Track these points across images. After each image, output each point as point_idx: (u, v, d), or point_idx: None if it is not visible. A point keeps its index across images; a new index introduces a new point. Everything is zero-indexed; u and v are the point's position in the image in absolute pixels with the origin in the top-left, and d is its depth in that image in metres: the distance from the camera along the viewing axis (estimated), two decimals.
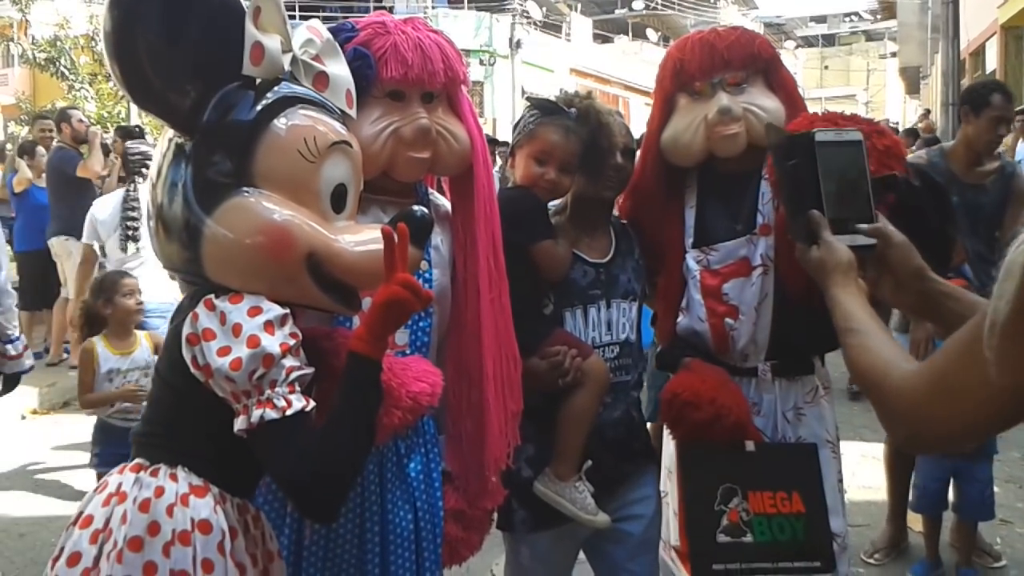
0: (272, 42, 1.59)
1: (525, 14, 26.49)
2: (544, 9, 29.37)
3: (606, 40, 34.30)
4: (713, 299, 2.38)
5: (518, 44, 25.10)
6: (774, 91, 2.37)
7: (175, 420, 1.60)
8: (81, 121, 7.88)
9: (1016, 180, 3.82)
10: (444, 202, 2.14)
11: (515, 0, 25.42)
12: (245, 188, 1.52)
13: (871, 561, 4.05)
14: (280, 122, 1.56)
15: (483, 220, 2.02)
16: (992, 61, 19.93)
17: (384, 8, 28.28)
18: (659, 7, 34.30)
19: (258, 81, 1.58)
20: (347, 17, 2.11)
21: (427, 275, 1.97)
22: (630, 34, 35.03)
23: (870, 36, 52.05)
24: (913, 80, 28.71)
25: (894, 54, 35.87)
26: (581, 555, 2.50)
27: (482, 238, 2.01)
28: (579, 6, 33.42)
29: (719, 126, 2.29)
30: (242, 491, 1.64)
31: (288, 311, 1.52)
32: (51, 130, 8.30)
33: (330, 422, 1.50)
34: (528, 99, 2.41)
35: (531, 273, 2.25)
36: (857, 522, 4.41)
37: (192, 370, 1.50)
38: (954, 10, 13.86)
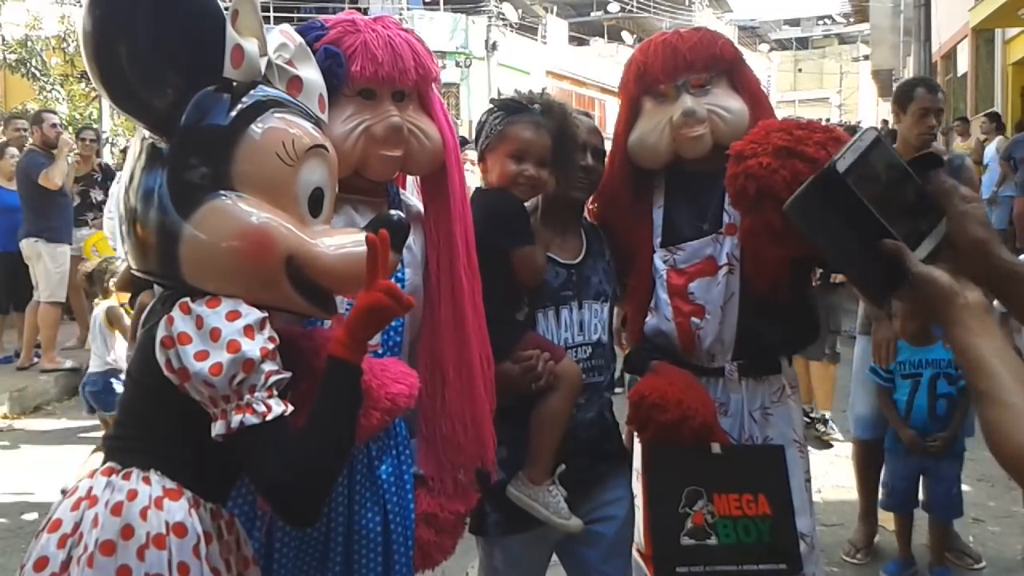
0: (251, 45, 1.58)
1: (501, 16, 26.50)
2: (520, 11, 29.41)
3: (582, 43, 34.39)
4: (679, 298, 2.39)
5: (494, 46, 25.09)
6: (738, 92, 2.39)
7: (147, 424, 1.59)
8: (54, 126, 7.82)
9: (964, 171, 3.88)
10: (415, 202, 2.13)
11: (491, 2, 25.42)
12: (223, 191, 1.51)
13: (853, 561, 4.08)
14: (258, 125, 1.55)
15: (456, 219, 2.02)
16: (963, 63, 20.18)
17: (358, 9, 28.16)
18: (634, 10, 34.42)
19: (235, 84, 1.57)
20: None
21: (400, 275, 1.96)
22: (606, 36, 35.14)
23: (843, 39, 52.49)
24: (886, 83, 28.98)
25: (867, 57, 36.20)
26: (555, 558, 2.50)
27: (456, 237, 2.01)
28: (555, 8, 33.48)
29: (684, 128, 2.30)
30: (215, 496, 1.62)
31: (266, 315, 1.52)
32: (25, 130, 8.23)
33: (310, 426, 1.50)
34: (491, 101, 2.40)
35: (507, 277, 2.25)
36: (831, 521, 4.45)
37: (166, 373, 1.48)
38: (926, 13, 14.03)
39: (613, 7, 34.41)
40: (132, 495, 1.48)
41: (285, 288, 1.54)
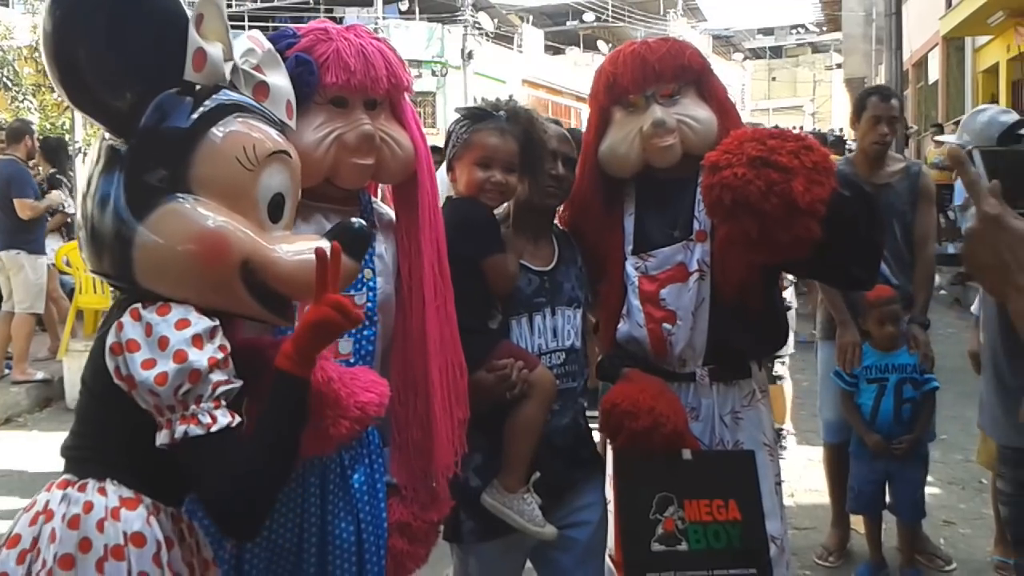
0: (214, 49, 1.58)
1: (477, 25, 26.55)
2: (496, 21, 29.50)
3: (558, 52, 34.54)
4: (651, 304, 2.41)
5: (470, 55, 25.13)
6: (706, 101, 2.41)
7: (102, 431, 1.57)
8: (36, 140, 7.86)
9: (922, 178, 3.93)
10: (388, 211, 2.13)
11: (467, 12, 25.47)
12: (180, 194, 1.50)
13: (825, 564, 4.11)
14: (219, 129, 1.54)
15: (428, 227, 2.02)
16: (935, 71, 20.42)
17: (334, 19, 28.15)
18: (609, 19, 34.63)
19: (198, 88, 1.57)
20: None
21: (371, 283, 1.97)
22: (581, 45, 35.31)
23: (816, 48, 53.00)
24: (858, 91, 29.23)
25: (839, 65, 36.50)
26: (529, 563, 2.50)
27: (427, 246, 2.01)
28: (531, 18, 33.65)
29: (654, 138, 2.33)
30: (175, 501, 1.61)
31: (217, 323, 1.50)
32: (1, 141, 8.14)
33: (253, 439, 1.49)
34: (457, 110, 2.40)
35: (480, 286, 2.25)
36: (804, 525, 4.48)
37: (115, 380, 1.47)
38: (897, 22, 14.18)
39: (588, 16, 34.64)
40: (88, 507, 1.47)
41: (240, 293, 1.53)
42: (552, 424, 2.32)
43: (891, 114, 3.94)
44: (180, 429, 1.43)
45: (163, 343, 1.43)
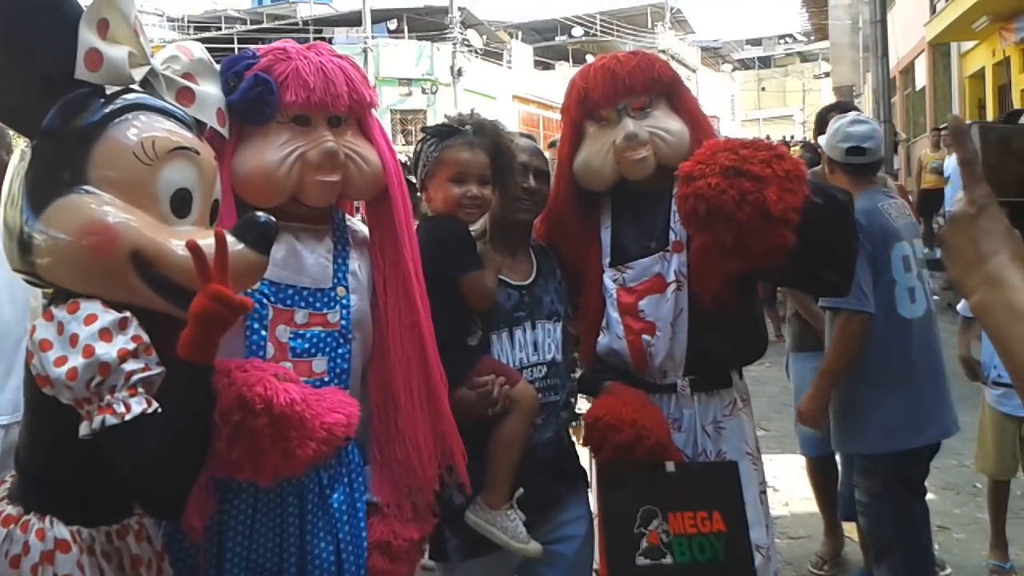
0: (115, 52, 1.61)
1: (466, 43, 26.68)
2: (484, 37, 29.62)
3: (547, 67, 34.66)
4: (630, 316, 2.41)
5: (459, 72, 25.25)
6: (678, 112, 2.43)
7: (39, 443, 1.64)
8: None
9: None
10: (362, 227, 2.13)
11: (455, 29, 25.59)
12: (75, 188, 1.54)
13: (820, 572, 4.10)
14: (118, 125, 1.59)
15: (401, 243, 2.02)
16: (921, 78, 20.52)
17: (324, 39, 28.25)
18: (598, 33, 34.80)
19: (105, 89, 1.61)
20: None
21: (345, 301, 1.96)
22: (571, 60, 35.42)
23: (805, 57, 53.23)
24: (847, 98, 29.39)
25: (828, 74, 36.69)
26: None
27: (401, 261, 2.02)
28: (519, 34, 33.80)
29: (627, 151, 2.34)
30: (120, 512, 1.66)
31: (127, 315, 1.53)
32: None
33: (163, 425, 1.52)
34: (423, 130, 2.40)
35: (458, 303, 2.26)
36: (798, 534, 4.48)
37: (37, 384, 1.52)
38: (882, 30, 14.25)
39: (577, 31, 34.81)
40: (26, 550, 1.55)
41: (134, 283, 1.55)
42: (535, 438, 2.32)
43: None
44: (97, 420, 1.48)
45: (73, 340, 1.49)
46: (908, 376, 3.21)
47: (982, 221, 1.13)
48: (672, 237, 2.38)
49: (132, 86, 1.66)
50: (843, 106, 4.25)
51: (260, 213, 1.67)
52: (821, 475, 4.15)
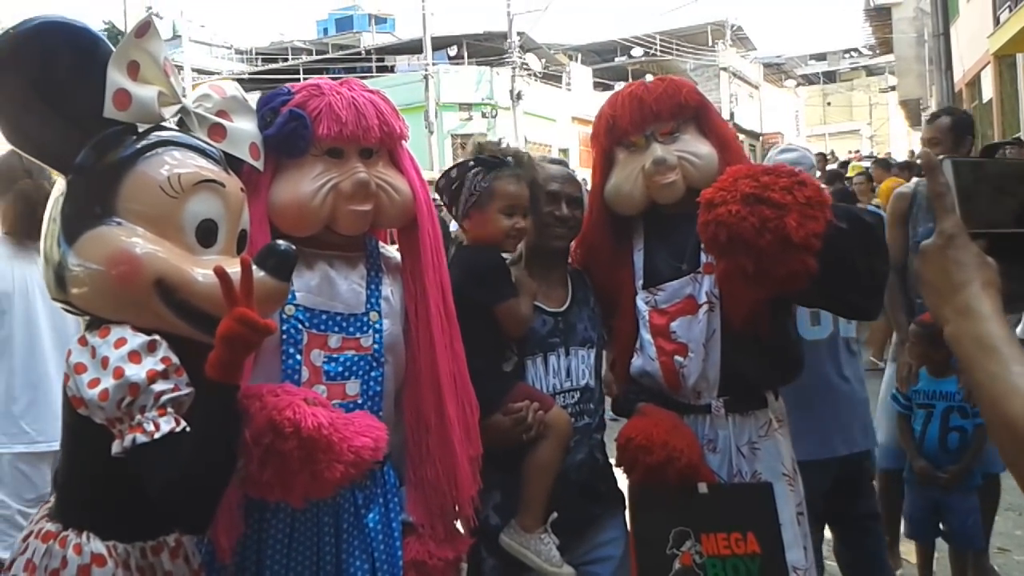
0: (145, 91, 1.70)
1: (525, 66, 26.85)
2: (543, 61, 29.77)
3: (607, 88, 34.57)
4: (662, 337, 2.43)
5: (519, 96, 25.40)
6: (706, 136, 2.45)
7: (76, 462, 1.73)
8: None
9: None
10: (394, 254, 2.20)
11: (514, 53, 25.78)
12: (107, 220, 1.63)
13: None
14: (146, 161, 1.67)
15: (431, 269, 2.08)
16: (988, 90, 20.01)
17: (386, 68, 28.75)
18: (658, 53, 34.70)
19: (137, 127, 1.70)
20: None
21: (377, 325, 2.03)
22: (631, 80, 35.28)
23: (871, 71, 52.31)
24: (914, 112, 28.87)
25: (894, 87, 36.06)
26: None
27: (431, 287, 2.08)
28: (579, 56, 33.87)
29: (656, 176, 2.38)
30: (155, 529, 1.73)
31: (155, 337, 1.61)
32: None
33: (190, 443, 1.58)
34: (476, 160, 2.36)
35: (494, 331, 2.30)
36: None
37: (73, 405, 1.61)
38: (945, 42, 14.03)
39: (636, 51, 34.74)
40: (64, 564, 1.63)
41: (159, 309, 1.63)
42: (568, 460, 2.34)
43: (928, 135, 3.95)
44: (128, 438, 1.55)
45: (105, 362, 1.57)
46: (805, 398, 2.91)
47: (952, 251, 1.15)
48: (703, 259, 2.39)
49: (164, 123, 1.75)
50: (933, 114, 4.23)
51: (280, 241, 1.74)
52: (890, 489, 4.07)
